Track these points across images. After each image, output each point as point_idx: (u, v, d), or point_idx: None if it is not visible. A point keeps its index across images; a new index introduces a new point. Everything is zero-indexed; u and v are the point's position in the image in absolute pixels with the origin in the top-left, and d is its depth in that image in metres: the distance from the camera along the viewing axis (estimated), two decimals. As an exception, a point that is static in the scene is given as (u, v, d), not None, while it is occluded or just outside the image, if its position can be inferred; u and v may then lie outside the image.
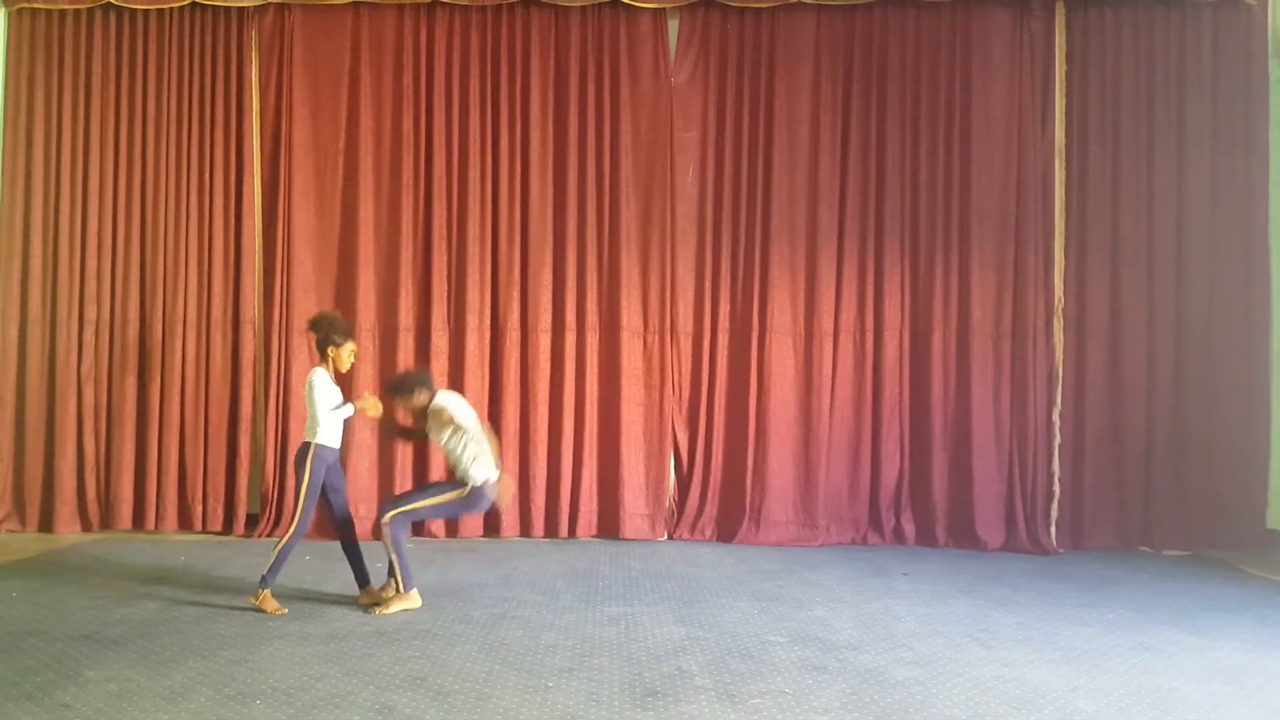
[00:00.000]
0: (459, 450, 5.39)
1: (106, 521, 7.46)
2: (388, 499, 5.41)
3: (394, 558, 5.29)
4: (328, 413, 5.25)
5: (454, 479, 5.50)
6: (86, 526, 7.45)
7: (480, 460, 5.39)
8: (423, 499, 5.45)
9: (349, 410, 5.35)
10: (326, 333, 5.39)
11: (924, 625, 5.16)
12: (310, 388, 5.29)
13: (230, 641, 4.68)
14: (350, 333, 5.49)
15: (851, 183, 7.56)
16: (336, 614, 5.22)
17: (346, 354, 5.42)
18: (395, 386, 5.55)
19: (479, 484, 5.37)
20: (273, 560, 5.28)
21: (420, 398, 5.45)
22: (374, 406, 5.39)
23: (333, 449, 5.34)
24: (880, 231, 7.55)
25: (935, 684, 4.22)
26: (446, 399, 5.42)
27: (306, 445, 5.32)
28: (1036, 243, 7.47)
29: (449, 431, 5.37)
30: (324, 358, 5.40)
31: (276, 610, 5.23)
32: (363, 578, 5.50)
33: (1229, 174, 7.41)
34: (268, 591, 5.28)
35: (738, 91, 7.62)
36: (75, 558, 6.60)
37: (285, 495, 7.39)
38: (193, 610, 5.24)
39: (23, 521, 7.45)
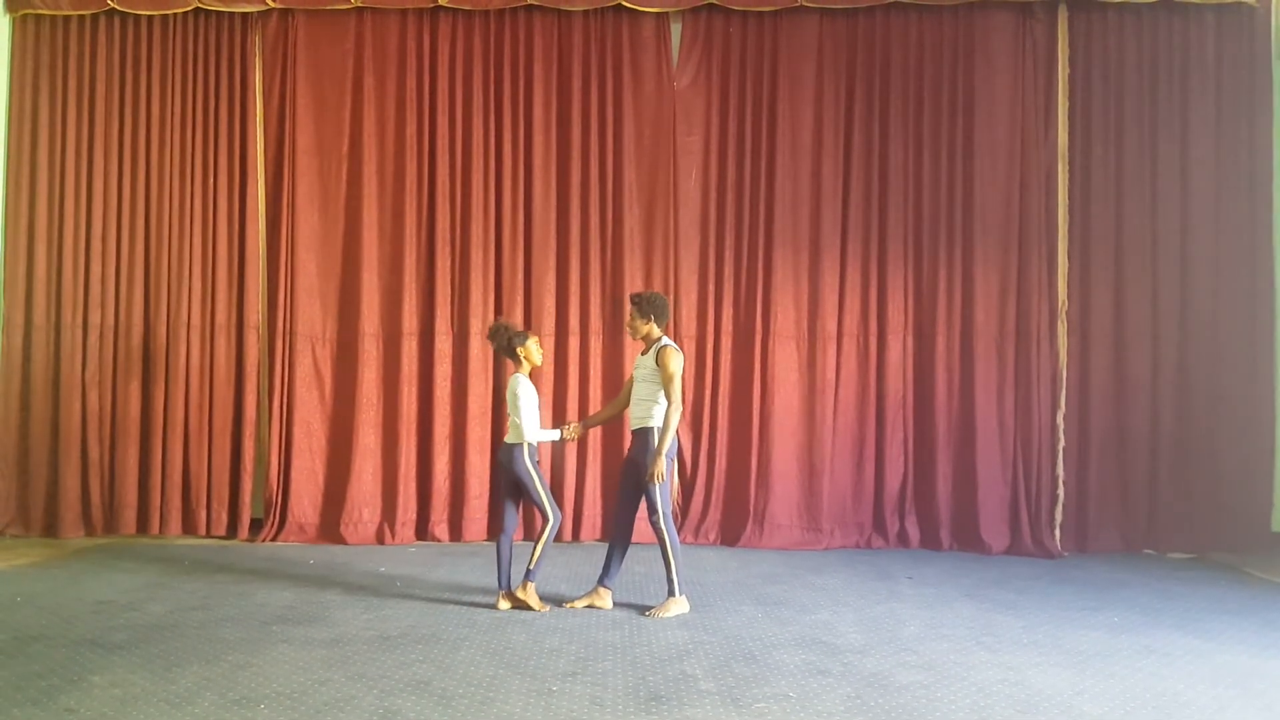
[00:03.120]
0: (655, 401, 5.37)
1: (111, 526, 7.46)
2: (647, 508, 5.40)
3: (669, 559, 5.36)
4: (534, 431, 5.37)
5: (637, 450, 5.42)
6: (91, 531, 7.45)
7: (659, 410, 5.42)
8: (650, 488, 5.33)
9: (554, 435, 5.60)
10: (507, 337, 5.50)
11: (928, 629, 5.15)
12: (515, 397, 5.38)
13: (234, 646, 4.68)
14: (526, 328, 5.60)
15: (854, 186, 7.56)
16: (340, 618, 5.22)
17: (534, 347, 5.53)
18: (649, 301, 5.49)
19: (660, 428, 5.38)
20: (537, 555, 5.38)
21: (654, 328, 5.46)
22: (575, 433, 5.67)
23: (535, 445, 5.47)
24: (883, 234, 7.55)
25: (940, 688, 4.21)
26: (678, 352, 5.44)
27: (515, 446, 5.39)
28: (1040, 245, 7.46)
29: (654, 382, 5.35)
30: (517, 361, 5.49)
31: (540, 607, 5.36)
32: (506, 581, 5.49)
33: (1233, 176, 7.40)
34: (533, 585, 5.39)
35: (740, 95, 7.63)
36: (79, 562, 6.61)
37: (289, 499, 7.41)
38: (197, 615, 5.25)
39: (27, 526, 7.46)
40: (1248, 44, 7.44)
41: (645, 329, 5.48)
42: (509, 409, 5.49)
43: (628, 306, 5.66)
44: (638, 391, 5.48)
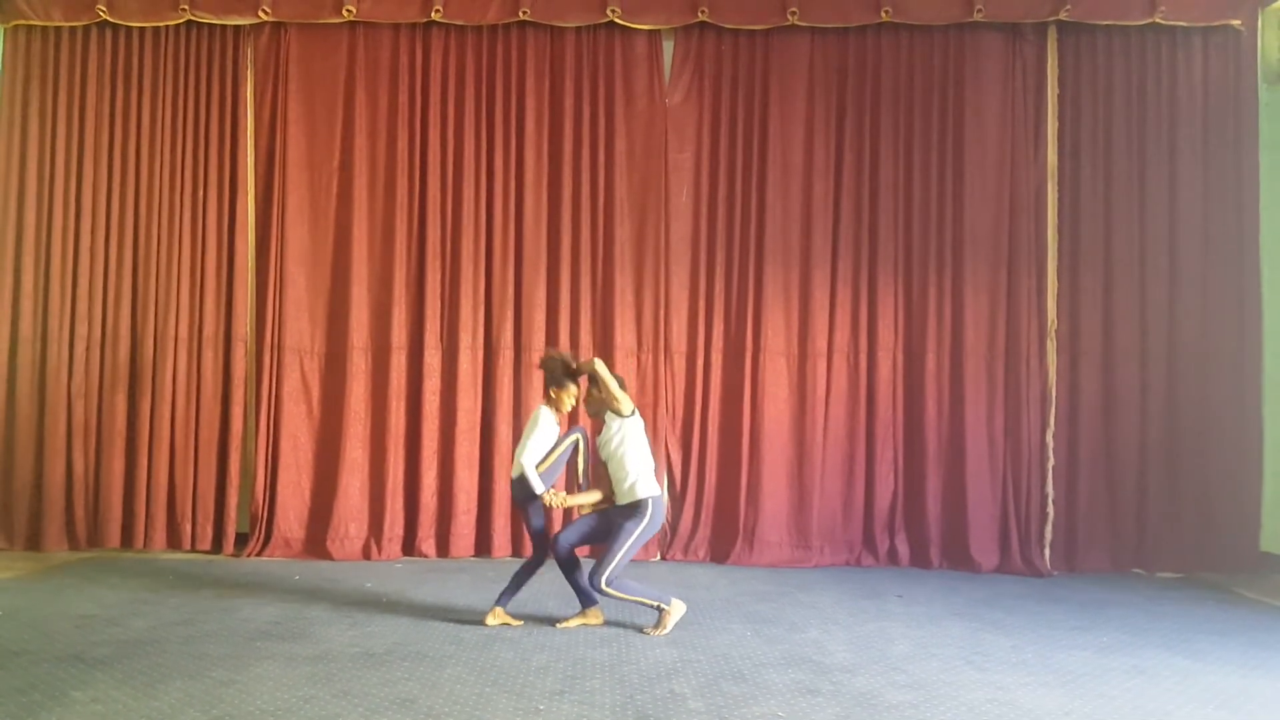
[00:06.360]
0: (625, 459, 5.29)
1: (95, 540, 7.39)
2: (590, 567, 5.25)
3: (636, 599, 5.26)
4: (531, 468, 5.25)
5: (615, 504, 5.36)
6: (74, 545, 7.38)
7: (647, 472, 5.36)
8: (617, 548, 5.19)
9: (539, 488, 5.26)
10: (559, 375, 5.44)
11: (918, 648, 5.13)
12: (534, 423, 5.34)
13: (218, 662, 4.63)
14: (576, 376, 5.49)
15: (845, 204, 7.58)
16: (325, 635, 5.17)
17: (567, 398, 5.45)
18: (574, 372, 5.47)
19: (654, 497, 5.32)
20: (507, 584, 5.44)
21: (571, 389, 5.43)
22: (560, 503, 5.35)
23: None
24: (874, 252, 7.57)
25: (929, 708, 4.19)
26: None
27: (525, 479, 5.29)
28: (1029, 264, 7.50)
29: (615, 436, 5.29)
30: (548, 397, 5.45)
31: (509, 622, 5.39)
32: (506, 598, 5.45)
33: (1220, 196, 7.46)
34: (500, 609, 5.40)
35: (732, 113, 7.65)
36: (62, 576, 6.54)
37: (275, 514, 7.35)
38: (180, 630, 5.19)
39: (10, 539, 7.38)
40: (1234, 66, 7.52)
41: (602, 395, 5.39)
42: (521, 441, 5.42)
43: (583, 387, 5.55)
44: (624, 462, 5.30)
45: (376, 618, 5.55)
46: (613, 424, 5.34)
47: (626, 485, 5.30)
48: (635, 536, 5.23)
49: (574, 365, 5.55)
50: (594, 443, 5.52)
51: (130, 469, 7.42)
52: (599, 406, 5.44)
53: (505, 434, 7.39)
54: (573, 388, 5.47)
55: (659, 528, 5.45)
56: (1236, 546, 7.27)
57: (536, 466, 5.27)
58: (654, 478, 5.43)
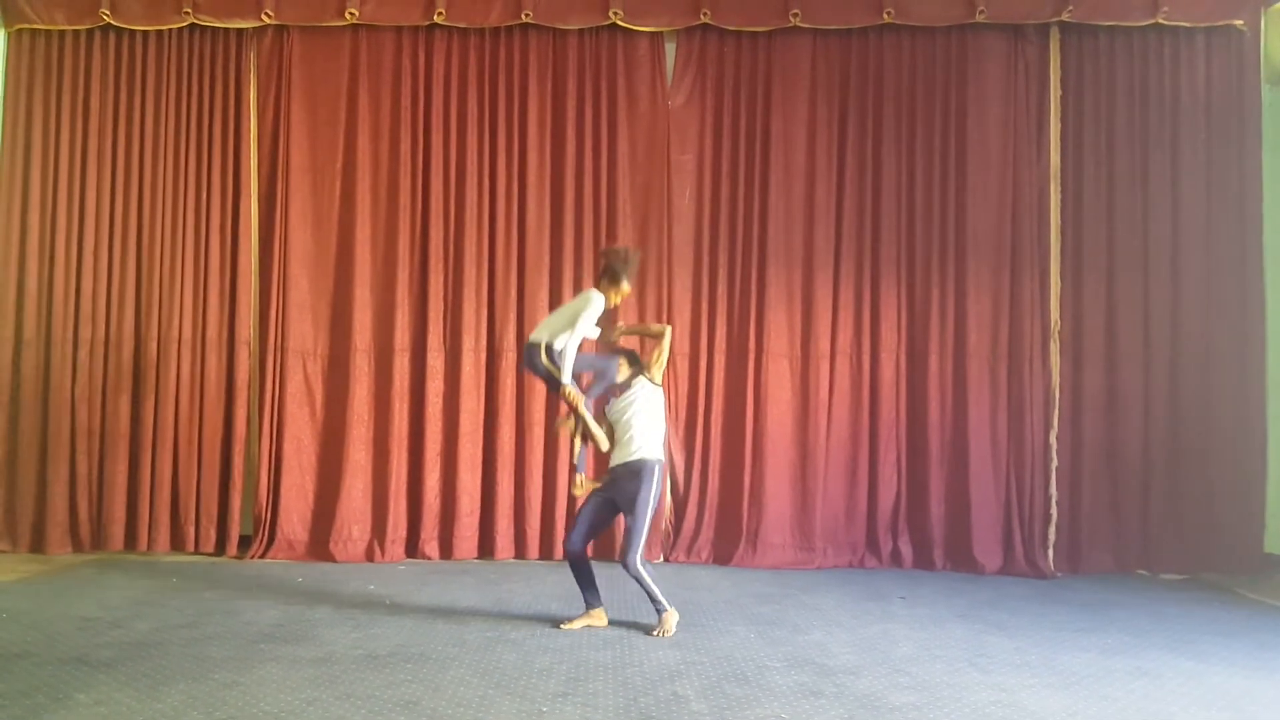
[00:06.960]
0: (637, 419, 5.34)
1: (98, 542, 7.40)
2: (620, 547, 5.31)
3: (650, 593, 5.29)
4: (573, 351, 5.09)
5: (611, 469, 5.41)
6: (78, 547, 7.39)
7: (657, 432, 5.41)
8: (639, 524, 5.25)
9: (567, 376, 5.07)
10: (615, 267, 5.23)
11: (921, 650, 5.13)
12: (586, 301, 5.17)
13: (221, 664, 4.63)
14: (633, 278, 5.37)
15: (848, 205, 7.58)
16: (329, 637, 5.17)
17: (615, 298, 5.28)
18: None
19: (658, 460, 5.36)
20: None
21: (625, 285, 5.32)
22: (573, 400, 5.21)
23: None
24: (877, 254, 7.57)
25: (933, 709, 4.18)
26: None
27: (540, 347, 5.15)
28: (1032, 265, 7.49)
29: (639, 398, 5.34)
30: (604, 285, 5.28)
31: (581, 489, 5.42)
32: (582, 458, 5.46)
33: (1222, 197, 7.45)
34: (580, 476, 5.45)
35: (734, 115, 7.65)
36: (66, 579, 6.55)
37: (279, 516, 7.35)
38: (184, 633, 5.20)
39: (14, 542, 7.39)
40: (1236, 66, 7.51)
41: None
42: (559, 312, 5.35)
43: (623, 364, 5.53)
44: (634, 423, 5.36)
45: (380, 620, 5.55)
46: (640, 389, 5.40)
47: (633, 446, 5.33)
48: (650, 505, 5.29)
49: (635, 265, 5.44)
50: (611, 403, 5.50)
51: (134, 471, 7.42)
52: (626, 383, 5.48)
53: (508, 436, 7.39)
54: (626, 288, 5.32)
55: (660, 492, 5.51)
56: (1240, 548, 7.25)
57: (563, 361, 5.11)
58: (661, 445, 5.46)
